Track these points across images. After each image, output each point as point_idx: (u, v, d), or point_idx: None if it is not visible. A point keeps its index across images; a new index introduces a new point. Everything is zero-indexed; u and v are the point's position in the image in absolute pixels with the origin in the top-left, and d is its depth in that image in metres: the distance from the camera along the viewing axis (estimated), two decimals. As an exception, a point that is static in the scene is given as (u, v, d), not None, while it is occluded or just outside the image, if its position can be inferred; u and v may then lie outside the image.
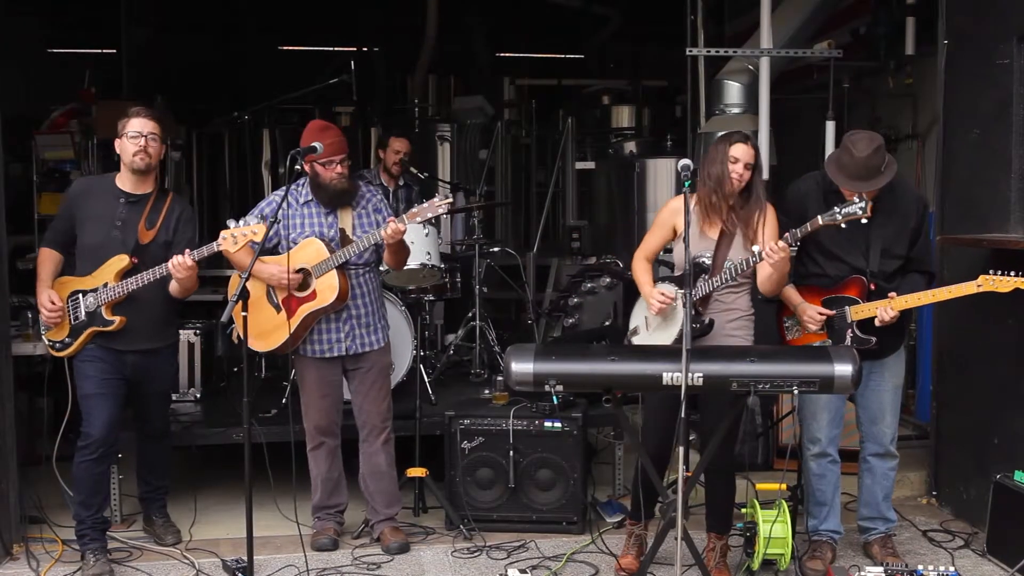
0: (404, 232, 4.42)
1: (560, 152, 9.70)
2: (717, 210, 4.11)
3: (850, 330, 4.22)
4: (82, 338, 4.43)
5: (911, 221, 4.27)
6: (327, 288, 4.47)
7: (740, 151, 4.07)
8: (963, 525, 4.99)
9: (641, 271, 4.31)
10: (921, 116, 7.43)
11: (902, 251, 4.26)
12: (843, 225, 3.91)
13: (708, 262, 4.13)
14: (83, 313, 4.42)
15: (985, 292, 4.03)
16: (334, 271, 4.47)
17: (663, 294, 4.13)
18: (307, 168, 4.54)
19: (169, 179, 8.06)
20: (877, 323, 4.15)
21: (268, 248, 4.56)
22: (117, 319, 4.40)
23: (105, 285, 4.38)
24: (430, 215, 4.37)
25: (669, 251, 4.39)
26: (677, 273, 4.23)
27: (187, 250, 4.28)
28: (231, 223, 4.20)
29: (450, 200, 4.42)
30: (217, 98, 9.84)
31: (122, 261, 4.38)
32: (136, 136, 4.38)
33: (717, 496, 4.34)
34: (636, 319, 4.40)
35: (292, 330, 4.51)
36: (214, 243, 4.24)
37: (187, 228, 4.52)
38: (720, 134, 4.20)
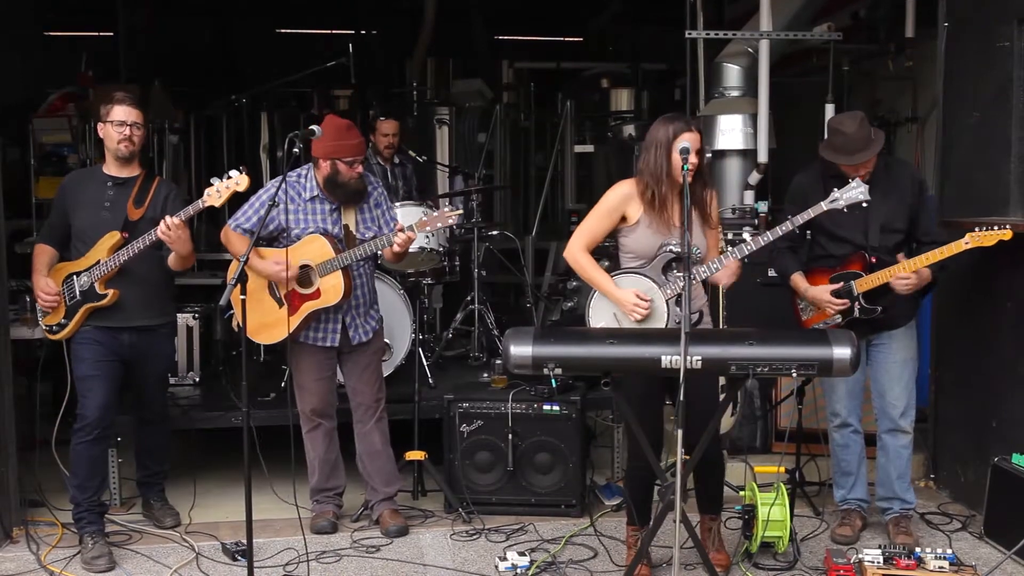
0: (413, 240, 4.46)
1: (559, 135, 9.68)
2: (666, 200, 3.98)
3: (857, 303, 4.38)
4: (78, 316, 4.45)
5: (908, 197, 4.44)
6: (331, 288, 4.49)
7: (689, 139, 3.92)
8: (961, 508, 5.01)
9: (593, 266, 4.08)
10: (921, 99, 7.42)
11: (901, 226, 4.43)
12: (845, 209, 4.05)
13: (678, 250, 3.97)
14: (77, 292, 4.44)
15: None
16: (339, 272, 4.48)
17: (640, 299, 3.96)
18: (324, 165, 4.52)
19: (167, 163, 8.04)
20: (901, 291, 4.28)
21: (271, 236, 4.58)
22: (110, 292, 4.42)
23: (98, 262, 4.41)
24: (440, 225, 4.45)
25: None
26: (635, 263, 4.05)
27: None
28: (215, 180, 4.21)
29: (460, 212, 4.54)
30: (214, 81, 9.81)
31: (113, 237, 4.42)
32: (121, 125, 4.44)
33: (704, 480, 4.28)
34: (600, 317, 4.09)
35: (295, 327, 4.54)
36: (199, 201, 4.25)
37: (176, 205, 4.51)
38: (661, 118, 4.04)
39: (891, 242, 4.40)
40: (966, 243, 4.15)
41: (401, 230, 4.41)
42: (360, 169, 4.56)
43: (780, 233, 4.06)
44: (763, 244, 4.04)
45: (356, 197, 4.59)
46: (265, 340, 4.66)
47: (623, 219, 4.07)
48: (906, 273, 4.26)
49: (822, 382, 4.68)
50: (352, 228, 4.61)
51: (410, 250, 5.49)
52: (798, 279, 4.52)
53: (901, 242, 4.44)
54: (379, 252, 4.64)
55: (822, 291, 4.43)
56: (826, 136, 4.48)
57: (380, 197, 4.74)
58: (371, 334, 4.72)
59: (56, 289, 4.48)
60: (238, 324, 4.62)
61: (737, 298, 5.30)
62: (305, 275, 4.52)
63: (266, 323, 4.58)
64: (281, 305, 4.56)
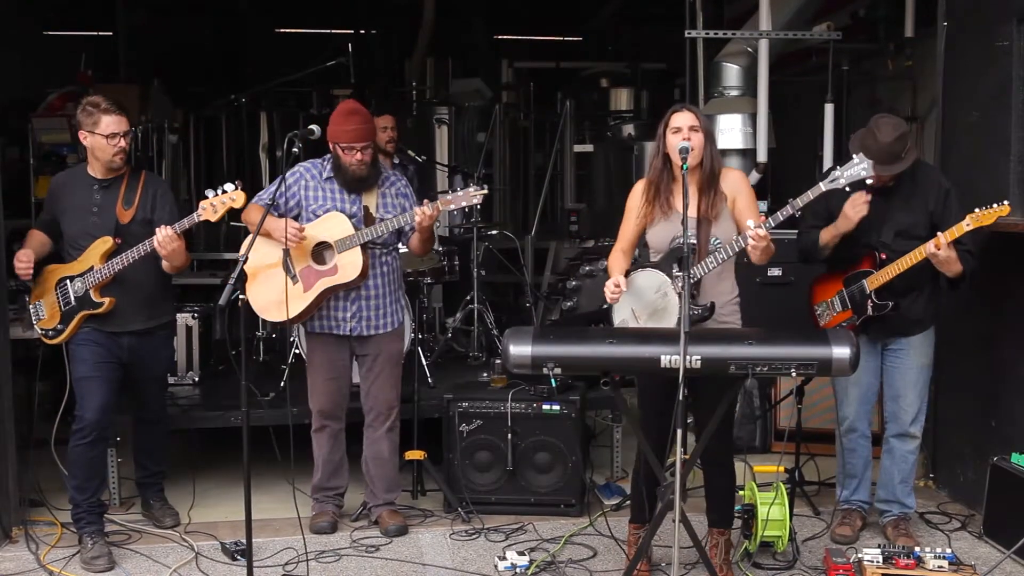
0: (437, 216, 4.38)
1: (558, 135, 9.68)
2: (670, 187, 3.97)
3: (869, 300, 4.37)
4: (74, 323, 4.43)
5: (930, 205, 4.36)
6: (350, 264, 4.44)
7: (680, 118, 3.90)
8: (960, 507, 5.01)
9: (613, 263, 4.13)
10: (920, 98, 7.41)
11: (922, 233, 4.33)
12: (847, 188, 3.89)
13: (692, 242, 3.92)
14: (72, 298, 4.42)
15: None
16: (358, 248, 4.44)
17: (616, 284, 3.95)
18: (331, 147, 4.54)
19: (166, 162, 8.04)
20: (931, 257, 4.14)
21: (293, 215, 4.58)
22: (106, 300, 4.40)
23: (91, 268, 4.38)
24: (464, 204, 4.35)
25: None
26: (657, 257, 4.09)
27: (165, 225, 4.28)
28: (209, 192, 4.19)
29: (484, 191, 4.36)
30: (214, 81, 9.81)
31: (106, 243, 4.38)
32: (114, 137, 4.38)
33: (715, 487, 4.21)
34: (621, 312, 4.15)
35: (308, 303, 4.50)
36: (194, 214, 4.23)
37: (164, 203, 4.50)
38: None
39: (908, 248, 4.29)
40: (967, 224, 4.08)
41: (427, 206, 4.32)
42: (359, 157, 4.47)
43: (781, 219, 3.87)
44: (780, 220, 3.88)
45: (359, 185, 4.54)
46: (276, 317, 4.59)
47: (646, 218, 4.07)
48: (921, 257, 4.18)
49: (834, 385, 4.66)
50: (372, 210, 4.56)
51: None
52: (824, 232, 4.39)
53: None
54: (404, 245, 4.62)
55: (847, 204, 4.26)
56: (861, 133, 4.32)
57: (405, 188, 4.69)
58: (376, 330, 4.63)
59: (32, 258, 4.42)
60: (243, 301, 4.61)
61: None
62: (320, 252, 4.50)
63: (278, 300, 4.49)
64: (296, 281, 4.53)
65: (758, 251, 3.82)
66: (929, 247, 4.14)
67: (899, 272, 4.28)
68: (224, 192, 4.17)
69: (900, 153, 4.23)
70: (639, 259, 4.19)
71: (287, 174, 4.60)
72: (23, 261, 4.43)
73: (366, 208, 4.56)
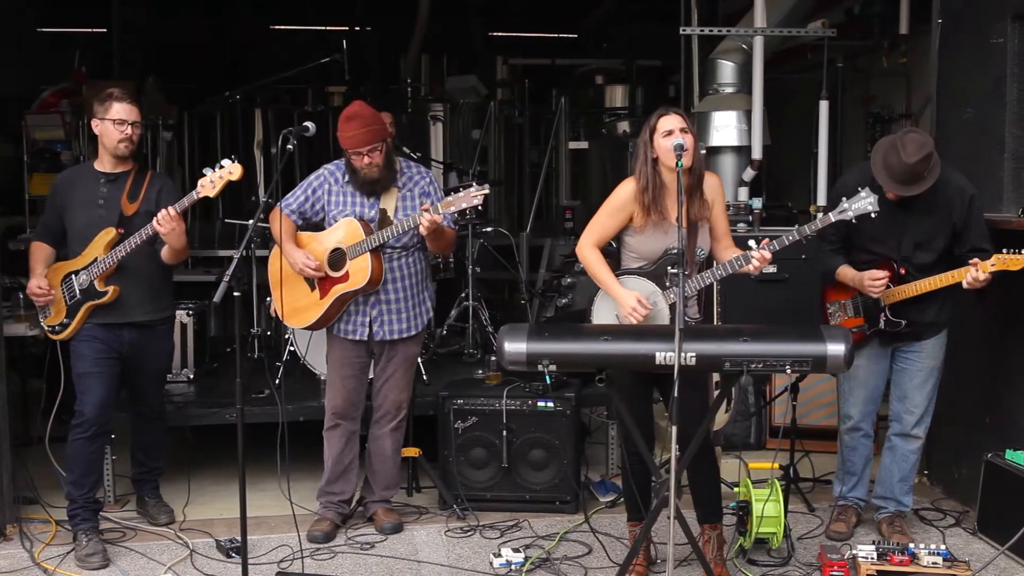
0: (438, 222, 4.32)
1: (553, 132, 9.68)
2: (662, 191, 3.95)
3: (883, 314, 4.34)
4: (80, 315, 4.44)
5: (952, 214, 4.28)
6: (359, 271, 4.45)
7: (669, 121, 3.90)
8: (954, 504, 5.02)
9: (599, 263, 4.05)
10: (915, 95, 7.43)
11: (941, 244, 4.30)
12: (854, 220, 3.91)
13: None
14: (77, 291, 4.44)
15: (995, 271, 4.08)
16: (367, 254, 4.43)
17: (642, 304, 3.90)
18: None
19: (161, 159, 8.03)
20: (966, 286, 4.12)
21: (315, 223, 4.61)
22: (110, 289, 4.41)
23: (95, 260, 4.39)
24: (464, 205, 4.29)
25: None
26: (638, 265, 4.04)
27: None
28: (207, 170, 4.20)
29: (485, 191, 4.28)
30: (209, 78, 9.80)
31: (109, 234, 4.40)
32: (121, 124, 4.41)
33: (698, 482, 4.16)
34: (603, 316, 4.09)
35: (324, 310, 4.52)
36: (194, 192, 4.25)
37: (170, 198, 4.49)
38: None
39: (927, 260, 4.27)
40: (991, 265, 4.03)
41: (426, 210, 4.28)
42: (367, 160, 4.44)
43: (786, 243, 3.90)
44: (785, 244, 3.91)
45: (370, 188, 4.52)
46: (297, 324, 4.67)
47: (630, 219, 4.02)
48: (947, 283, 4.15)
49: (840, 383, 4.65)
50: (391, 213, 4.55)
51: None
52: (844, 270, 4.40)
53: (940, 259, 4.28)
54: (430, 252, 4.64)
55: (866, 274, 4.31)
56: (886, 144, 4.21)
57: (429, 187, 4.63)
58: (398, 334, 4.60)
59: (49, 288, 4.47)
60: (275, 311, 4.73)
61: (733, 294, 5.30)
62: (336, 258, 4.51)
63: (297, 307, 4.59)
64: (313, 289, 4.55)
65: (757, 271, 3.90)
66: (969, 276, 4.07)
67: (918, 293, 4.24)
68: (221, 167, 4.18)
69: (922, 173, 4.11)
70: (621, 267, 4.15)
71: (313, 177, 4.62)
72: (41, 295, 4.48)
73: (383, 211, 4.54)
